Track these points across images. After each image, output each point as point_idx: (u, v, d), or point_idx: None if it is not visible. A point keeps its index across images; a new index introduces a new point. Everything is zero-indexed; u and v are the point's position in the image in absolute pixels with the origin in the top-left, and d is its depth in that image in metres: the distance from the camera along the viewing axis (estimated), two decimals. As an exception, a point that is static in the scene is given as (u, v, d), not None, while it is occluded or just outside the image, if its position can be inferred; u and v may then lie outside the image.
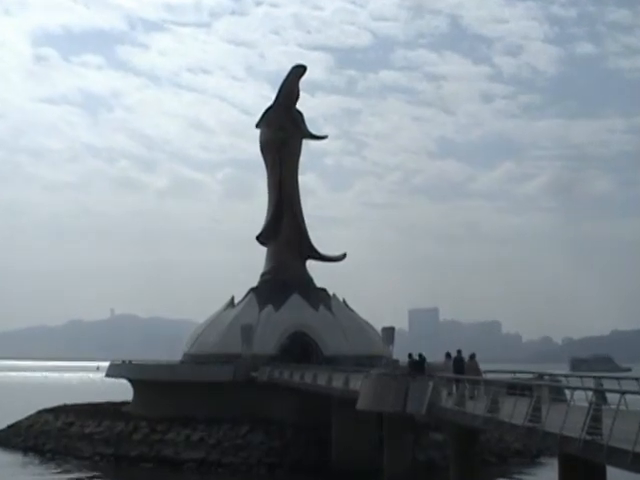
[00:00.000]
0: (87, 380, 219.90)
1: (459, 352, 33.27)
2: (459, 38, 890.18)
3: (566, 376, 28.03)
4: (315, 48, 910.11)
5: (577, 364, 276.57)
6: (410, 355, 37.34)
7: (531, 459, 55.90)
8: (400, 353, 40.54)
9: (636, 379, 24.04)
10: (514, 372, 30.60)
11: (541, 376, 29.48)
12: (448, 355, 34.48)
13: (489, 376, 31.47)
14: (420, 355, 36.55)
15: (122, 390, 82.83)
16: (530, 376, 29.84)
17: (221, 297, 76.51)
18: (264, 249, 75.74)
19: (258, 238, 75.04)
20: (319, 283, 75.15)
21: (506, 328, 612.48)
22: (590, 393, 20.11)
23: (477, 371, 31.92)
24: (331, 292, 74.15)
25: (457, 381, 30.81)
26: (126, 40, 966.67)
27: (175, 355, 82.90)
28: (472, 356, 32.82)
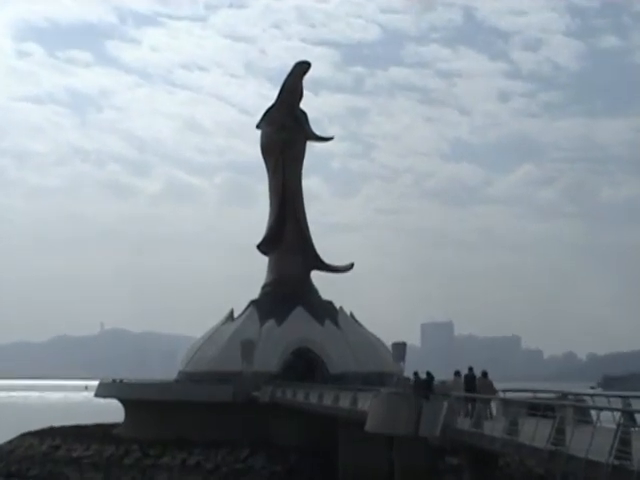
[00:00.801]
0: (74, 400, 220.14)
1: (470, 369, 33.24)
2: (474, 32, 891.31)
3: (592, 395, 27.92)
4: (319, 43, 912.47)
5: (609, 382, 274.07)
6: (416, 373, 37.19)
7: (554, 485, 55.68)
8: (412, 370, 40.54)
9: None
10: (535, 391, 30.50)
11: (564, 395, 29.40)
12: (457, 373, 34.39)
13: (508, 395, 31.40)
14: (428, 373, 36.33)
15: (112, 411, 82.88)
16: (552, 395, 29.76)
17: (219, 310, 76.70)
18: (265, 259, 75.84)
19: (259, 247, 75.15)
20: (325, 295, 75.25)
21: (526, 343, 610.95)
22: (618, 414, 20.02)
23: (491, 390, 31.87)
24: (338, 305, 74.23)
25: (472, 400, 30.76)
26: (116, 35, 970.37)
27: (170, 373, 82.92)
28: (484, 374, 32.78)
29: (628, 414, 19.97)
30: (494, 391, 31.92)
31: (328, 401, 48.53)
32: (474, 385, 32.29)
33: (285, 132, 74.32)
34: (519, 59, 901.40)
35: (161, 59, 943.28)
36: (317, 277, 76.36)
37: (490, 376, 33.38)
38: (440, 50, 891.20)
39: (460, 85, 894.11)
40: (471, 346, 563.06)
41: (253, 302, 73.86)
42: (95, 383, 77.59)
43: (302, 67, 75.20)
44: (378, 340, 73.83)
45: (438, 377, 36.98)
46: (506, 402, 28.47)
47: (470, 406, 30.93)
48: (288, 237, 74.48)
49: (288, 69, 75.98)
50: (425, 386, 35.45)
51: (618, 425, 19.22)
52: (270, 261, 75.45)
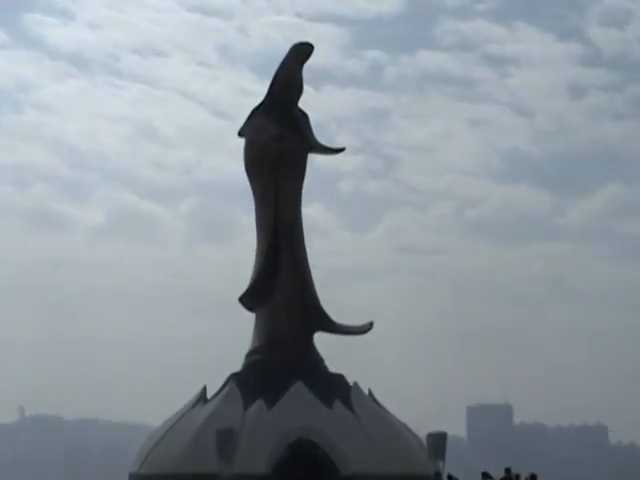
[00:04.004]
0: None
1: (507, 471, 33.93)
2: (535, 1, 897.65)
3: None
4: (322, 19, 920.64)
5: None
6: (437, 475, 37.87)
7: None
8: (456, 471, 40.74)
9: None
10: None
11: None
12: (487, 475, 35.11)
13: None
14: (450, 477, 37.02)
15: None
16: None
17: (186, 388, 76.91)
18: (251, 316, 76.13)
19: (242, 300, 75.44)
20: (333, 366, 75.38)
21: (615, 435, 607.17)
22: None
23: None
24: (351, 379, 74.35)
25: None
26: (38, 6, 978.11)
27: (116, 475, 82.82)
28: (533, 477, 33.33)
29: None
30: None
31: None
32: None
33: (279, 141, 75.06)
34: (598, 39, 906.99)
35: (103, 40, 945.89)
36: (322, 341, 76.63)
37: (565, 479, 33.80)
38: (489, 27, 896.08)
39: (517, 75, 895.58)
40: (537, 438, 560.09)
41: (234, 376, 74.07)
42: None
43: (302, 51, 76.13)
44: (407, 429, 73.87)
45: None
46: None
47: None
48: (282, 286, 74.89)
49: (279, 55, 77.29)
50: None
51: None
52: (258, 320, 75.77)
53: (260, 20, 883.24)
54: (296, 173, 76.70)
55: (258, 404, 69.66)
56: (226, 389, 73.04)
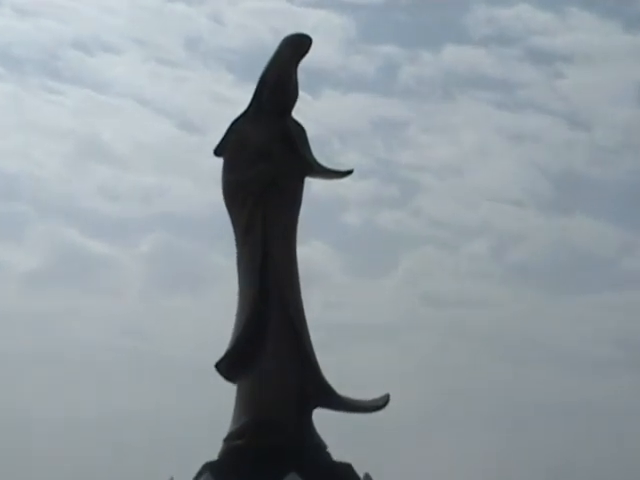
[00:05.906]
0: None
1: None
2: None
3: None
4: (320, 4, 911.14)
5: None
6: None
7: None
8: None
9: None
10: None
11: None
12: None
13: None
14: None
15: None
16: None
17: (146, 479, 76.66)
18: (231, 388, 75.92)
19: (219, 367, 75.20)
20: (337, 453, 75.06)
21: None
22: None
23: None
24: (361, 471, 74.04)
25: None
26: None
27: None
28: None
29: None
30: None
31: None
32: None
33: (267, 162, 75.00)
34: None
35: (37, 32, 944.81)
36: (325, 420, 76.47)
37: None
38: (533, 14, 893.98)
39: (570, 76, 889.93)
40: None
41: (209, 466, 73.80)
42: None
43: (298, 45, 75.93)
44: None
45: None
46: None
47: None
48: (271, 349, 74.62)
49: (265, 51, 77.14)
50: None
51: None
52: (239, 393, 75.50)
53: (239, 5, 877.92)
54: (289, 202, 76.28)
55: (240, 503, 69.36)
56: (199, 482, 72.72)
